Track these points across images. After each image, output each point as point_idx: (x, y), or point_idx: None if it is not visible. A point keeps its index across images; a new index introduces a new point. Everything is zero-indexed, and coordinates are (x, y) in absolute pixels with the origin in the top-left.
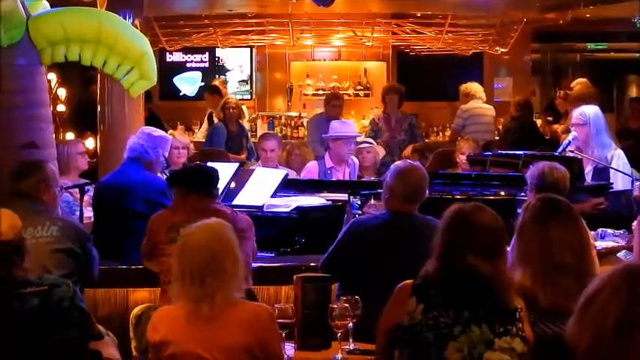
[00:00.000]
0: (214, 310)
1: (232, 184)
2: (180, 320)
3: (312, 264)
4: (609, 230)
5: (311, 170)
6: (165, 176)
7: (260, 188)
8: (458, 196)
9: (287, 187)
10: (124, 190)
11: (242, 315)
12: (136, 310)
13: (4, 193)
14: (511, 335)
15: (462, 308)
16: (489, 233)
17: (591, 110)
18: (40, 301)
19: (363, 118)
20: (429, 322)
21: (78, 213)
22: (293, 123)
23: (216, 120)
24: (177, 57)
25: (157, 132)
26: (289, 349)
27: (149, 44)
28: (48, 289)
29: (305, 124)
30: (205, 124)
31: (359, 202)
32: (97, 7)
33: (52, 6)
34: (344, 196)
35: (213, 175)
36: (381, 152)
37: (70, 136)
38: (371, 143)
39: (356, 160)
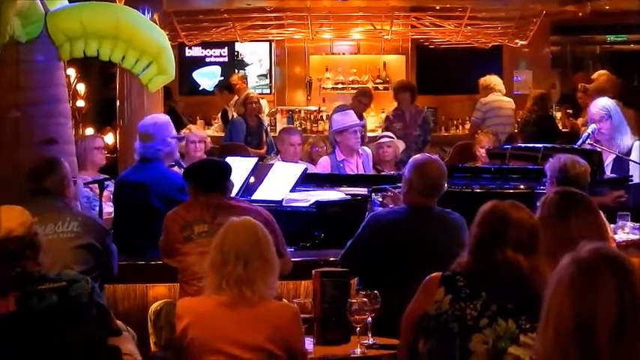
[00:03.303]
0: (255, 297)
1: (251, 179)
2: (209, 311)
3: (331, 258)
4: (629, 223)
5: (323, 165)
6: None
7: (279, 183)
8: (478, 190)
9: (306, 181)
10: (142, 186)
11: (271, 316)
12: (154, 306)
13: (24, 190)
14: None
15: (490, 301)
16: (525, 230)
17: (610, 102)
18: (59, 297)
19: (383, 112)
20: (455, 312)
21: (98, 208)
22: (312, 117)
23: (235, 115)
24: (196, 52)
25: (155, 120)
26: (308, 343)
27: (167, 39)
28: (66, 285)
29: (325, 117)
30: (219, 121)
31: (380, 199)
32: (115, 2)
33: (70, 1)
34: (363, 191)
35: (225, 170)
36: (402, 146)
37: (89, 131)
38: (391, 137)
39: (368, 150)
